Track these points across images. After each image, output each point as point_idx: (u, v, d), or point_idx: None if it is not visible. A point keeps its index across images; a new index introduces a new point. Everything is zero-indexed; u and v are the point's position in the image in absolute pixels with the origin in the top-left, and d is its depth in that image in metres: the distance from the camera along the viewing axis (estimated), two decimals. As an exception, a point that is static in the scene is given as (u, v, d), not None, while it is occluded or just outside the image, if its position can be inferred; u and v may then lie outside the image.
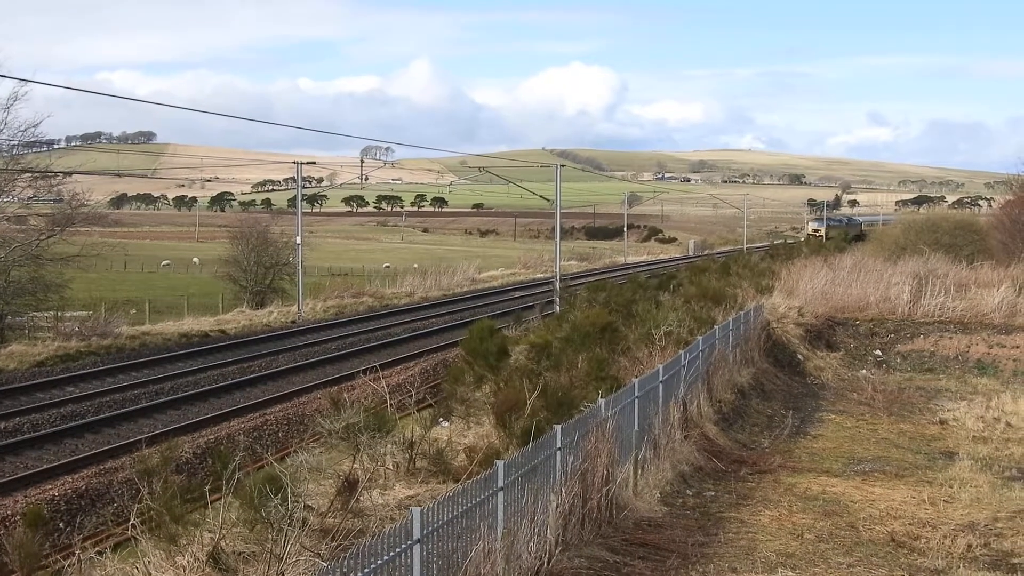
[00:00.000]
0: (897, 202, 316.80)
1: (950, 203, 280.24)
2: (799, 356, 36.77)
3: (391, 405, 19.49)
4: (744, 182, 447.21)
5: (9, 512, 19.87)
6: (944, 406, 30.59)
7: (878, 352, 39.25)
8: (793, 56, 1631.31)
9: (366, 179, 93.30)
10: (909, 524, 18.01)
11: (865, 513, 18.70)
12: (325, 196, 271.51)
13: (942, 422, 28.43)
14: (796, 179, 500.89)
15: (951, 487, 20.87)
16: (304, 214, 61.01)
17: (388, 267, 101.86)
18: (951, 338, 39.71)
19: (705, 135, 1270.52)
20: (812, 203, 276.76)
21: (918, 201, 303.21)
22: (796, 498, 19.73)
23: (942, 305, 42.64)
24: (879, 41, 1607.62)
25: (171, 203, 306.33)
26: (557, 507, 14.41)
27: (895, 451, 24.79)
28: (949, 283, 45.44)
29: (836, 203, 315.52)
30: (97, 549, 12.83)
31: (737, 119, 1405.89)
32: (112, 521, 18.32)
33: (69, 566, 12.04)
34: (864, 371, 36.89)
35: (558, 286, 49.25)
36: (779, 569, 15.04)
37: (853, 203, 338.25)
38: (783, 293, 44.68)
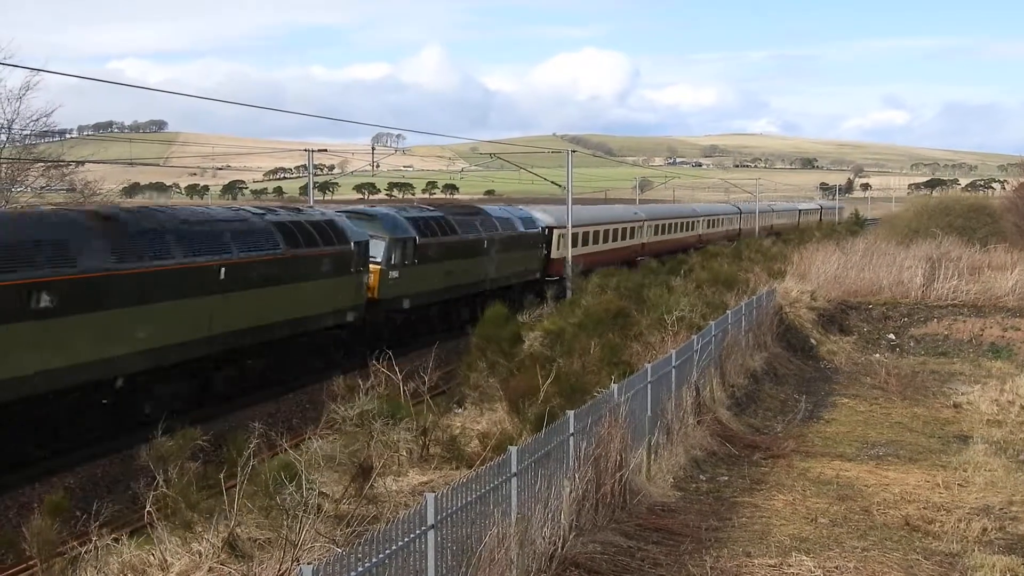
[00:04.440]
0: (910, 185, 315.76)
1: (963, 186, 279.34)
2: (812, 340, 36.73)
3: (404, 391, 19.52)
4: (756, 166, 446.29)
5: (26, 499, 20.01)
6: (958, 390, 30.53)
7: (891, 336, 39.19)
8: (807, 38, 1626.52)
9: (377, 166, 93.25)
10: (923, 508, 18.00)
11: (879, 497, 18.69)
12: (337, 183, 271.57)
13: (956, 406, 28.37)
14: (808, 163, 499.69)
15: (965, 471, 20.82)
16: (316, 201, 61.00)
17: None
18: (965, 321, 39.59)
19: (719, 119, 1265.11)
20: (824, 187, 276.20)
21: (931, 184, 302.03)
22: (810, 482, 19.73)
23: (955, 288, 42.51)
24: (893, 22, 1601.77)
25: (183, 191, 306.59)
26: (571, 493, 14.44)
27: (909, 435, 24.76)
28: (962, 266, 45.32)
29: (848, 187, 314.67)
30: (113, 536, 12.88)
31: (751, 103, 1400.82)
32: (128, 508, 18.42)
33: (86, 552, 12.11)
34: (877, 355, 36.84)
35: (570, 272, 49.20)
36: (793, 553, 15.05)
37: (866, 187, 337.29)
38: (795, 277, 44.62)
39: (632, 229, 66.58)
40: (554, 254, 52.51)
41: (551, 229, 52.30)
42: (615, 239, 62.97)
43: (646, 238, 68.93)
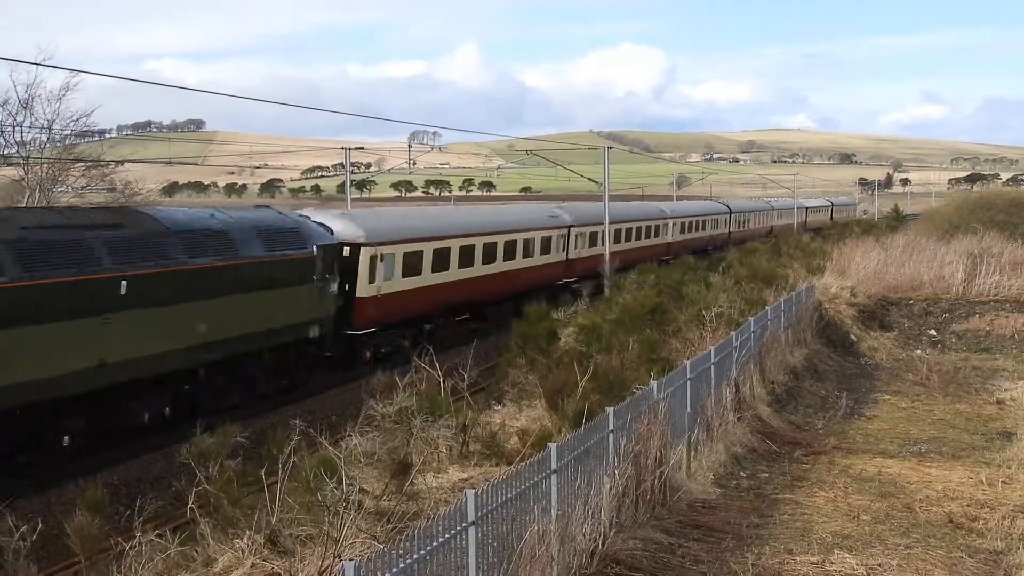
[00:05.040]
0: (950, 180, 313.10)
1: (1004, 180, 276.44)
2: (852, 336, 36.50)
3: (444, 389, 19.56)
4: (794, 162, 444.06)
5: (70, 496, 20.19)
6: (1001, 386, 30.25)
7: (933, 332, 38.88)
8: (844, 33, 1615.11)
9: (414, 164, 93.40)
10: (967, 505, 17.85)
11: (922, 494, 18.55)
12: (374, 181, 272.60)
13: (999, 402, 28.11)
14: (847, 158, 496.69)
15: (1009, 468, 20.60)
16: (353, 200, 61.19)
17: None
18: (1007, 317, 39.21)
19: (756, 115, 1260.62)
20: (863, 182, 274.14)
21: (971, 179, 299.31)
22: (851, 479, 19.61)
23: (997, 284, 42.10)
24: (929, 16, 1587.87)
25: (221, 190, 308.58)
26: (610, 489, 14.42)
27: (951, 432, 24.56)
28: (1004, 261, 44.87)
29: (888, 182, 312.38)
30: (157, 532, 12.99)
31: (789, 98, 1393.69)
32: (171, 504, 18.57)
33: (130, 549, 12.20)
34: (919, 351, 36.56)
35: (607, 268, 49.03)
36: (835, 550, 14.96)
37: (905, 182, 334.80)
38: (835, 273, 44.37)
39: (549, 240, 46.61)
40: (365, 290, 32.11)
41: (359, 248, 31.99)
42: (526, 254, 44.30)
43: (575, 251, 49.48)
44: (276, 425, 22.90)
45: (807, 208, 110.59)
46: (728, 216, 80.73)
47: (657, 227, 62.74)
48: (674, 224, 66.62)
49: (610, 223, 51.31)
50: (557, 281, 46.64)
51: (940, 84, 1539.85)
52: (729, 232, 79.44)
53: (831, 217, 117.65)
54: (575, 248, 49.35)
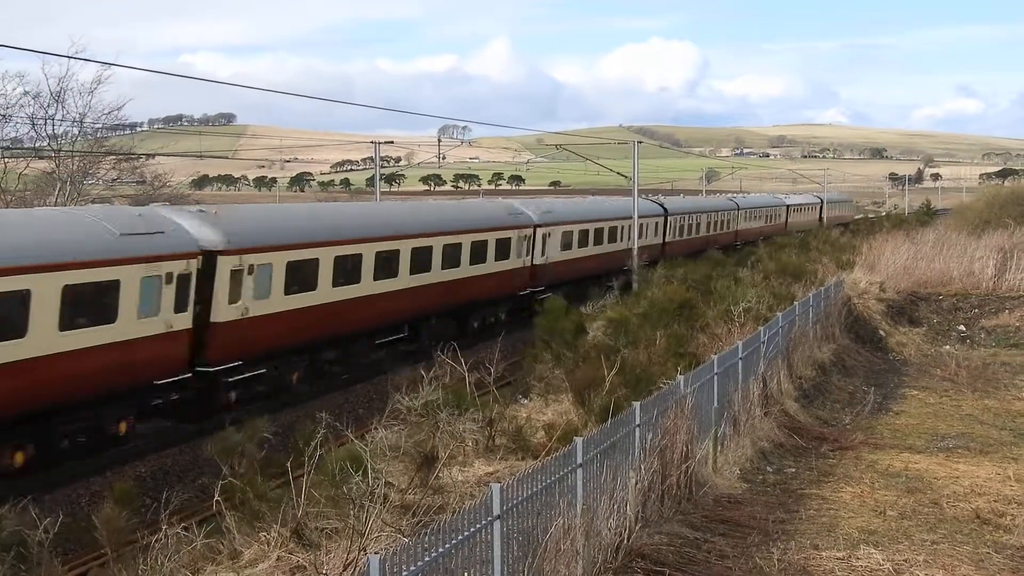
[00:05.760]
0: (981, 175, 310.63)
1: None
2: (881, 332, 36.32)
3: (470, 383, 19.58)
4: (824, 157, 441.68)
5: (98, 488, 20.36)
6: (1030, 382, 30.04)
7: (962, 327, 38.63)
8: (879, 27, 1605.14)
9: (443, 158, 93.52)
10: (994, 501, 17.76)
11: (949, 490, 18.46)
12: (403, 175, 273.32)
13: (1028, 398, 27.93)
14: (877, 153, 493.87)
15: (1038, 464, 20.49)
16: (383, 193, 61.31)
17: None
18: (1037, 312, 38.95)
19: (788, 109, 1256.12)
20: (894, 177, 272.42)
21: (1003, 174, 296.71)
22: (878, 475, 19.53)
23: (1028, 279, 41.83)
24: (966, 10, 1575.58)
25: (251, 184, 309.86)
26: (636, 484, 14.41)
27: (979, 427, 24.40)
28: (1035, 257, 44.59)
29: (918, 177, 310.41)
30: (183, 525, 13.06)
31: (821, 93, 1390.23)
32: (197, 497, 18.68)
33: (156, 541, 12.27)
34: (947, 347, 36.33)
35: (635, 263, 48.92)
36: (861, 546, 14.91)
37: (936, 177, 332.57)
38: (864, 268, 44.17)
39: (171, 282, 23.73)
40: None
41: None
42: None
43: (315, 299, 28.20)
44: (303, 418, 22.99)
45: (788, 207, 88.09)
46: (663, 219, 59.17)
47: (507, 241, 40.26)
48: (550, 236, 43.86)
49: (389, 236, 32.21)
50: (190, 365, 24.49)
51: (975, 78, 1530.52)
52: (664, 243, 58.59)
53: (820, 218, 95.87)
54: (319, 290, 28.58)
